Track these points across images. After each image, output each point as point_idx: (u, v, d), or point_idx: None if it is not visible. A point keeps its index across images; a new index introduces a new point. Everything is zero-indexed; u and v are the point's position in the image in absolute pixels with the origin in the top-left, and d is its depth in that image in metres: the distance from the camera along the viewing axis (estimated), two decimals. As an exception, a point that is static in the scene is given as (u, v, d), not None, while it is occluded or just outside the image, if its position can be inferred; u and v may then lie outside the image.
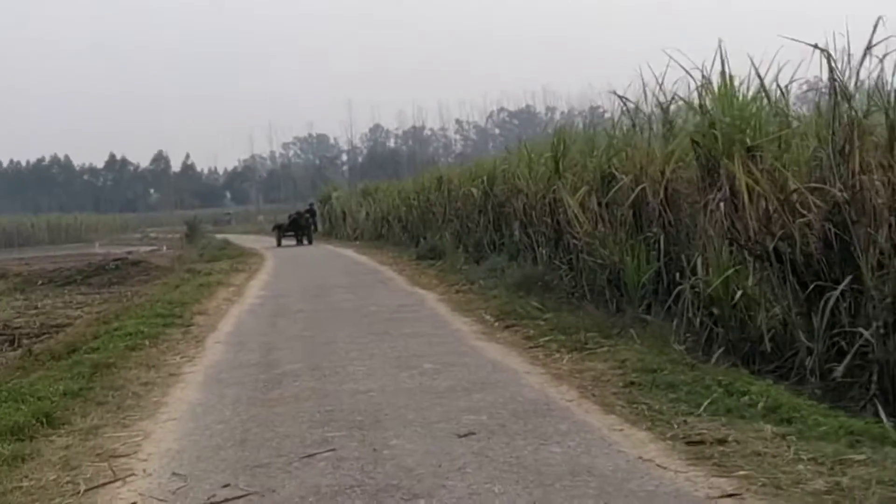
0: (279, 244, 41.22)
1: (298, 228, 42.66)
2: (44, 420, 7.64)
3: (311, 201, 53.92)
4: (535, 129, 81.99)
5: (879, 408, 7.07)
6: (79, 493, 5.88)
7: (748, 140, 9.82)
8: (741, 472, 5.47)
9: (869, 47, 8.75)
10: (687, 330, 9.88)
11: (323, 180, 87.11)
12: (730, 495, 5.13)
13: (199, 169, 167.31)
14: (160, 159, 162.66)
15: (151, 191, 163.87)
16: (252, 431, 7.15)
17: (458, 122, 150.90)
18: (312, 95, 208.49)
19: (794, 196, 9.08)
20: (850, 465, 5.44)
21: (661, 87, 12.20)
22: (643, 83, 12.63)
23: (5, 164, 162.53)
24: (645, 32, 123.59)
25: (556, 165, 15.71)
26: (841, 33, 8.89)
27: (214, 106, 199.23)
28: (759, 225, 9.25)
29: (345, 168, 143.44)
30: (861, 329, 7.93)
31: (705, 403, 7.08)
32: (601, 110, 17.24)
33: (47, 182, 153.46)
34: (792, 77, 10.06)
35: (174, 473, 6.18)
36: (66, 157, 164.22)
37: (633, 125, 13.62)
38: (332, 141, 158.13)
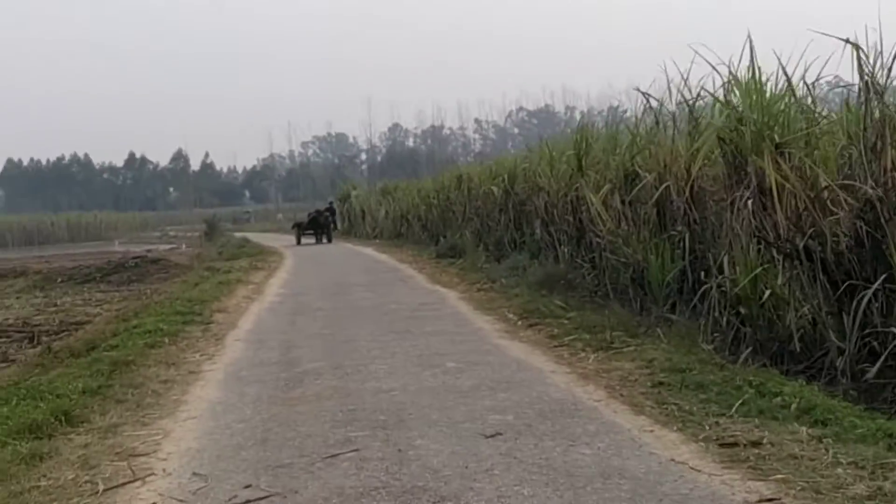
0: (299, 242, 41.09)
1: (318, 227, 42.51)
2: (63, 418, 7.52)
3: (331, 200, 53.90)
4: (555, 128, 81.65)
5: (916, 410, 6.87)
6: (98, 492, 5.75)
7: (776, 137, 9.67)
8: (778, 476, 5.29)
9: (902, 43, 8.57)
10: (713, 329, 9.70)
11: (342, 179, 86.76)
12: (768, 500, 4.95)
13: (218, 168, 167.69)
14: (179, 158, 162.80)
15: (171, 189, 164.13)
16: (273, 431, 7.01)
17: (476, 121, 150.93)
18: (332, 95, 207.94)
19: (825, 193, 8.91)
20: (891, 469, 5.26)
21: (686, 84, 12.03)
22: (667, 80, 12.48)
23: (25, 163, 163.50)
24: (666, 32, 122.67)
25: (578, 163, 15.56)
26: (873, 28, 8.76)
27: (234, 105, 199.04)
28: (789, 223, 9.08)
29: (364, 167, 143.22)
30: (895, 329, 7.74)
31: (737, 404, 6.90)
32: (621, 109, 17.08)
33: (67, 181, 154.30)
34: (819, 74, 9.92)
35: (194, 473, 6.05)
36: (86, 155, 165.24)
37: (657, 122, 13.46)
38: (351, 140, 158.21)
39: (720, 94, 10.86)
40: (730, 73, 10.49)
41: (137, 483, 5.93)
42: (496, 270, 18.22)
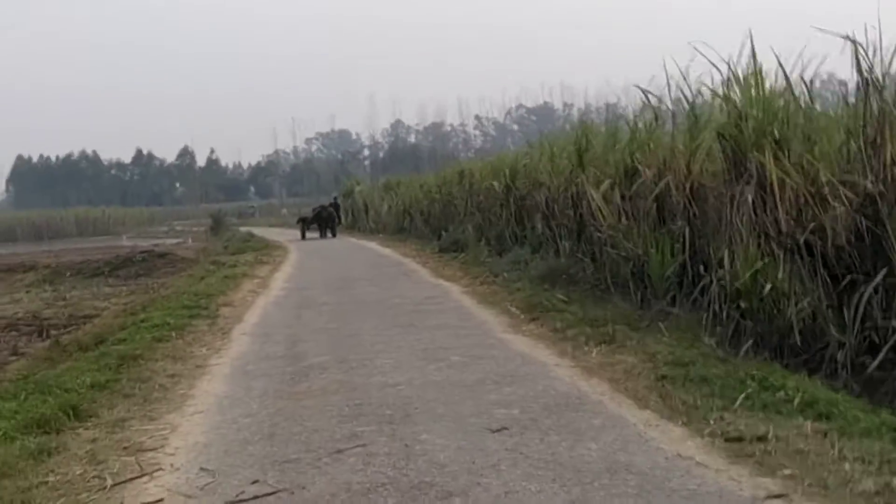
0: (303, 237, 40.88)
1: (322, 221, 42.28)
2: (71, 413, 7.41)
3: (335, 195, 53.61)
4: (553, 124, 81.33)
5: (919, 404, 6.76)
6: (105, 488, 5.64)
7: (776, 133, 9.58)
8: (786, 472, 5.18)
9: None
10: (714, 323, 9.59)
11: (345, 175, 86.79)
12: (777, 496, 4.84)
13: (223, 164, 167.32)
14: (185, 154, 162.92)
15: (177, 185, 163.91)
16: (280, 425, 6.90)
17: (477, 117, 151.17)
18: (335, 92, 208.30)
19: (825, 189, 8.82)
20: (899, 464, 5.16)
21: (685, 80, 11.93)
22: (667, 77, 12.39)
23: (35, 160, 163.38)
24: (665, 31, 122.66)
25: (579, 159, 15.50)
26: (873, 26, 8.67)
27: (239, 102, 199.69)
28: (790, 218, 9.00)
29: (367, 163, 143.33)
30: (895, 323, 7.65)
31: (740, 398, 6.80)
32: (618, 106, 16.97)
33: (76, 176, 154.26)
34: (816, 71, 9.85)
35: (202, 468, 5.94)
36: (94, 152, 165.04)
37: (656, 119, 13.39)
38: (354, 136, 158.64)
39: (720, 91, 10.77)
40: (729, 70, 10.41)
41: (145, 478, 5.83)
42: (498, 264, 18.07)
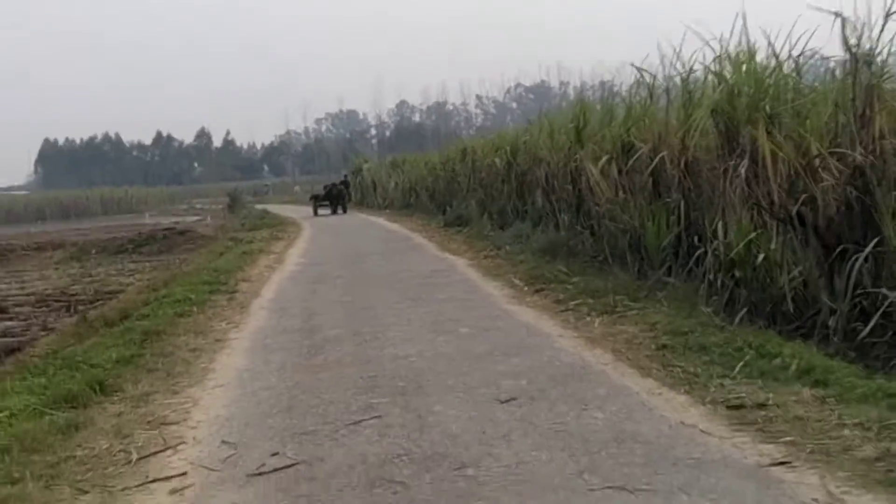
0: (316, 213, 40.65)
1: (333, 199, 42.06)
2: (97, 387, 7.33)
3: (345, 173, 53.42)
4: (550, 102, 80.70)
5: (911, 369, 6.62)
6: (131, 462, 5.54)
7: (768, 108, 9.43)
8: (787, 438, 5.05)
9: (888, 14, 8.28)
10: (709, 292, 9.46)
11: (354, 153, 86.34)
12: (780, 463, 4.71)
13: (238, 144, 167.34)
14: (203, 136, 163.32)
15: (195, 165, 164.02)
16: (298, 398, 6.78)
17: (478, 97, 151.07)
18: (343, 74, 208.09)
19: (816, 161, 8.66)
20: (896, 430, 5.02)
21: (678, 58, 11.74)
22: (660, 56, 12.22)
23: (61, 143, 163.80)
24: (657, 10, 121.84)
25: (577, 135, 15.29)
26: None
27: (252, 85, 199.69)
28: (782, 189, 8.84)
29: (374, 141, 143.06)
30: (885, 290, 7.51)
31: (739, 366, 6.68)
32: (613, 84, 16.78)
33: (100, 158, 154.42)
34: (805, 47, 9.66)
35: (223, 441, 5.83)
36: (117, 134, 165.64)
37: (651, 96, 13.21)
38: (361, 116, 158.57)
39: (713, 67, 10.61)
40: (721, 47, 10.25)
41: (169, 451, 5.73)
42: (501, 238, 17.92)
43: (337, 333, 9.39)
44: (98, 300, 15.27)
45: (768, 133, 8.96)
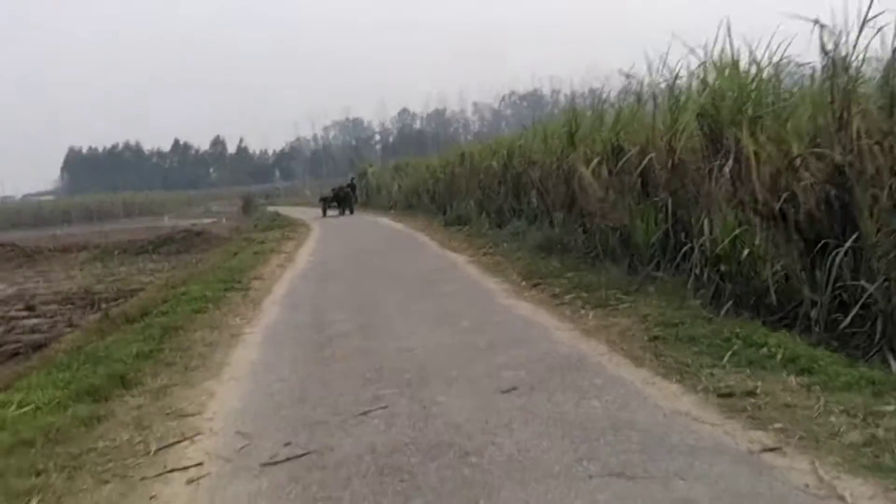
0: (324, 214, 40.42)
1: (341, 200, 41.94)
2: (118, 381, 7.20)
3: (352, 176, 53.11)
4: (542, 110, 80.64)
5: (891, 358, 6.49)
6: (150, 453, 5.43)
7: (750, 111, 9.33)
8: (777, 425, 4.95)
9: (864, 21, 8.17)
10: (696, 286, 9.37)
11: (359, 158, 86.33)
12: (771, 449, 4.60)
13: (251, 150, 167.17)
14: (218, 143, 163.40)
15: (211, 170, 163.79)
16: (309, 390, 6.66)
17: (475, 104, 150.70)
18: (348, 84, 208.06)
19: (797, 161, 8.56)
20: (881, 416, 4.91)
21: (665, 65, 11.65)
22: (647, 63, 12.14)
23: (85, 151, 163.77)
24: (644, 21, 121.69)
25: (570, 138, 15.18)
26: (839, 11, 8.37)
27: (264, 94, 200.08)
28: (765, 188, 8.73)
29: (378, 147, 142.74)
30: (864, 283, 7.40)
31: (727, 355, 6.57)
32: (602, 91, 16.75)
33: (121, 165, 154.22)
34: (784, 53, 9.58)
35: (238, 432, 5.71)
36: (137, 143, 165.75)
37: (639, 101, 13.11)
38: (365, 124, 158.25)
39: (698, 73, 10.54)
40: (706, 54, 10.17)
41: (186, 442, 5.62)
42: (499, 236, 17.82)
43: (345, 328, 9.26)
44: (120, 298, 15.17)
45: (751, 134, 8.87)
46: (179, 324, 9.96)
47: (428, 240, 21.14)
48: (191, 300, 11.78)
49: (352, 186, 45.53)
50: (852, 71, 8.39)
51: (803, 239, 8.31)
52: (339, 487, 4.52)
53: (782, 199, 8.47)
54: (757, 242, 8.73)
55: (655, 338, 7.46)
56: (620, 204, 12.25)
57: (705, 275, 9.30)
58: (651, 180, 11.84)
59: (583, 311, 9.15)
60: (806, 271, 8.20)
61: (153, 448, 5.50)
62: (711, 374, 6.15)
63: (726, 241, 8.91)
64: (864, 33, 8.21)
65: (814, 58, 8.85)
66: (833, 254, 7.75)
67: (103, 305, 14.16)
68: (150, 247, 27.55)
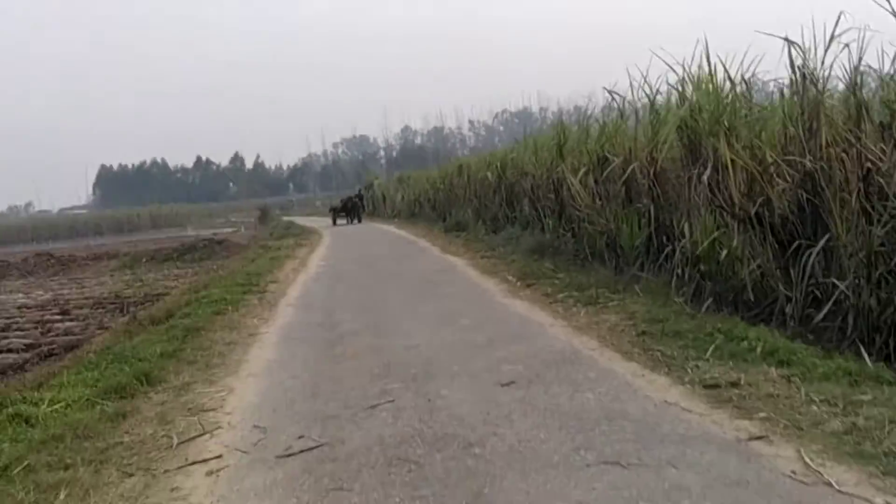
0: (335, 223, 40.31)
1: (349, 210, 41.86)
2: (143, 379, 7.03)
3: (360, 188, 53.03)
4: (531, 126, 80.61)
5: (863, 350, 6.32)
6: (172, 446, 5.28)
7: (726, 122, 9.20)
8: (761, 414, 4.79)
9: (832, 38, 8.04)
10: (678, 285, 9.24)
11: (366, 172, 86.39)
12: (758, 437, 4.43)
13: (267, 166, 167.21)
14: (237, 159, 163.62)
15: (230, 184, 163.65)
16: (321, 385, 6.50)
17: (470, 121, 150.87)
18: (354, 103, 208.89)
19: (771, 168, 8.45)
20: (860, 405, 4.75)
21: (646, 81, 11.53)
22: (629, 80, 12.04)
23: (115, 168, 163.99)
24: (625, 44, 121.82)
25: (559, 151, 15.12)
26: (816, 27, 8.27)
27: (278, 114, 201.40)
28: (741, 193, 8.63)
29: (382, 161, 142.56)
30: (835, 280, 7.28)
31: (711, 349, 6.41)
32: (587, 108, 16.73)
33: (148, 181, 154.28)
34: (754, 69, 9.47)
35: (255, 426, 5.55)
36: (163, 159, 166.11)
37: (622, 115, 13.01)
38: (371, 140, 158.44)
39: (677, 88, 10.42)
40: (684, 70, 10.05)
41: (206, 436, 5.46)
42: (494, 241, 17.67)
43: (354, 327, 9.09)
44: (147, 302, 15.02)
45: (728, 144, 8.76)
46: (201, 325, 9.79)
47: (429, 245, 20.97)
48: (211, 303, 11.62)
49: (360, 197, 45.46)
50: (820, 84, 8.29)
51: (778, 240, 8.23)
52: (350, 478, 4.37)
53: (757, 204, 8.40)
54: (734, 244, 8.64)
55: (643, 333, 7.31)
56: (606, 210, 12.19)
57: (687, 274, 9.24)
58: (634, 188, 11.77)
59: (574, 309, 8.99)
60: (781, 270, 8.11)
61: (175, 442, 5.35)
62: (697, 367, 6.00)
63: (706, 243, 8.85)
64: (830, 49, 8.16)
65: (783, 73, 8.78)
66: (806, 254, 7.69)
67: (131, 309, 14.01)
68: (175, 255, 27.40)
